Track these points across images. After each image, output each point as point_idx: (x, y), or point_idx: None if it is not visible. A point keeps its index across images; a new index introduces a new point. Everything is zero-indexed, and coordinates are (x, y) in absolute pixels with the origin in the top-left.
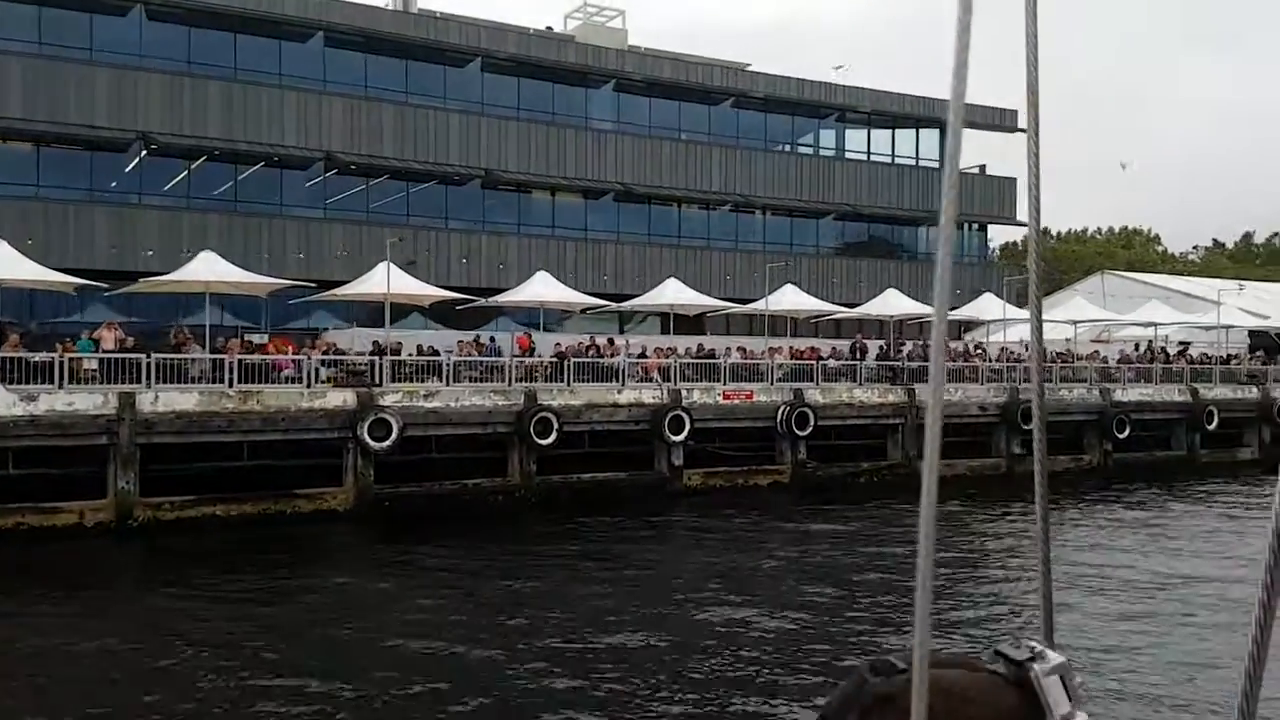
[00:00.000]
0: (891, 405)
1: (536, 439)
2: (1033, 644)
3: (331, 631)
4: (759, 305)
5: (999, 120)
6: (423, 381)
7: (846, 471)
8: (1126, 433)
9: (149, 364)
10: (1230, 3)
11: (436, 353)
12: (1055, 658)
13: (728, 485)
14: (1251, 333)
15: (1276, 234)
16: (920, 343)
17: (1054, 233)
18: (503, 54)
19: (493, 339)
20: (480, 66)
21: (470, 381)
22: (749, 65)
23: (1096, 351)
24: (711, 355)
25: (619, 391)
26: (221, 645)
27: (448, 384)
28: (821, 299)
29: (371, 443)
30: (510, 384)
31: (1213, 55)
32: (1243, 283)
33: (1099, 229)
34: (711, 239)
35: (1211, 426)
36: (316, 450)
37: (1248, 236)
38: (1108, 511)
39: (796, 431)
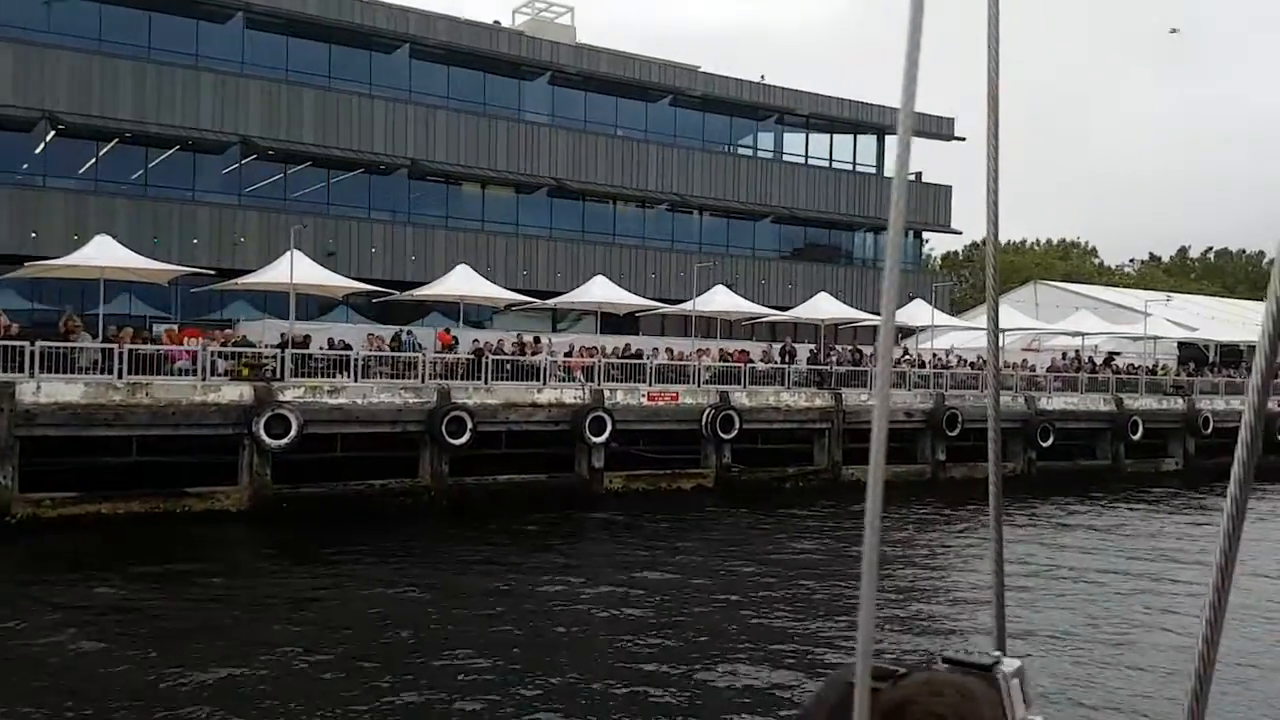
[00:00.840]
0: (818, 410)
1: (449, 439)
2: (989, 651)
3: (207, 640)
4: (687, 306)
5: (936, 128)
6: (330, 377)
7: (772, 476)
8: (1050, 441)
9: (33, 352)
10: (1170, 21)
11: (349, 347)
12: (1013, 662)
13: (650, 489)
14: (1181, 344)
15: (1211, 249)
16: (850, 347)
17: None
18: (432, 41)
19: (410, 333)
20: (409, 53)
21: (382, 378)
22: (700, 68)
23: (1025, 360)
24: (638, 356)
25: (539, 391)
26: (90, 653)
27: (355, 380)
28: (758, 302)
29: (268, 440)
30: (424, 381)
31: (1154, 74)
32: (1170, 295)
33: (1037, 240)
34: (647, 238)
35: (1136, 437)
36: (211, 447)
37: (1183, 251)
38: (1033, 519)
39: (721, 435)
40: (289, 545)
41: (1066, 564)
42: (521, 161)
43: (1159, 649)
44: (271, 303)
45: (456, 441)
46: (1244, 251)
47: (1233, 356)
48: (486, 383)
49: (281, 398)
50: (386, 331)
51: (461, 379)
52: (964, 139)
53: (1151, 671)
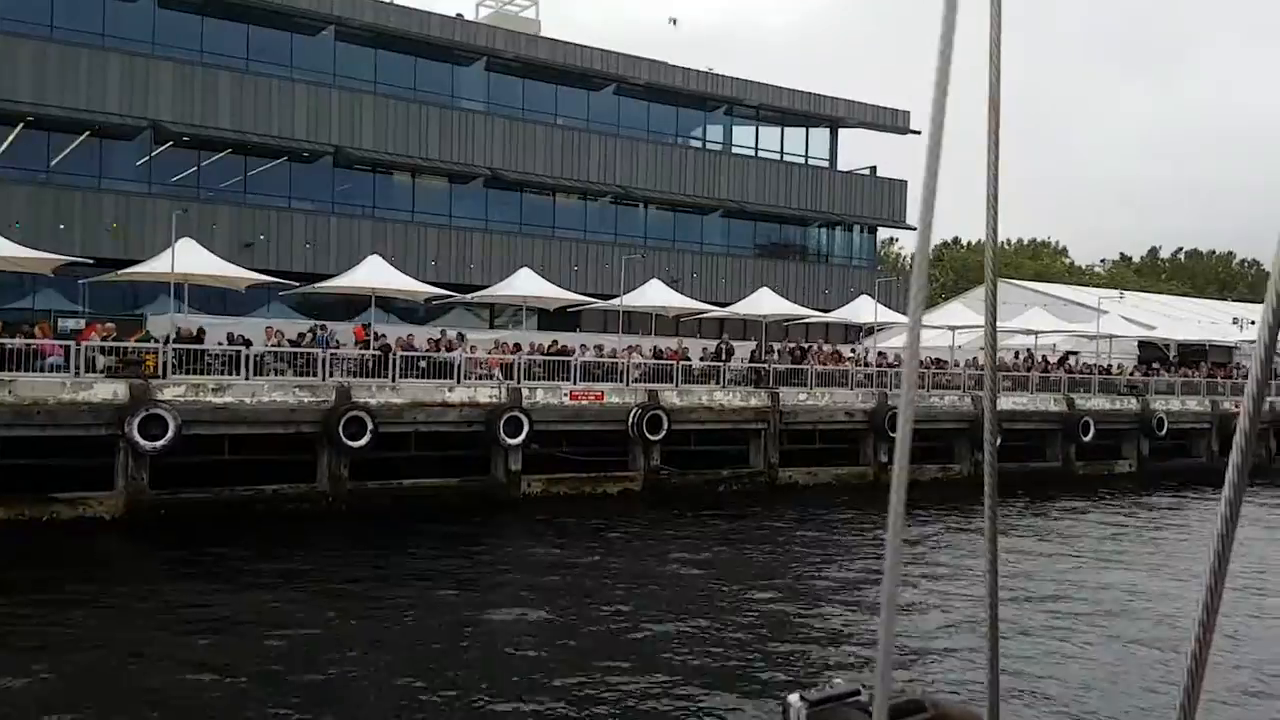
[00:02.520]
0: (754, 410)
1: (347, 440)
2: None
3: (62, 655)
4: (624, 301)
5: (890, 121)
6: (221, 374)
7: (704, 479)
8: (997, 443)
9: None
10: (1154, 29)
11: (250, 343)
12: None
13: (573, 493)
14: (1142, 343)
15: (1181, 249)
16: (794, 344)
17: (963, 242)
18: (358, 23)
19: (324, 327)
20: (334, 35)
21: (279, 375)
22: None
23: (975, 359)
24: (564, 352)
25: (450, 390)
26: None
27: (246, 378)
28: (707, 298)
29: (143, 442)
30: (324, 379)
31: (1135, 79)
32: (1123, 292)
33: (1007, 240)
34: (589, 231)
35: (1088, 438)
36: (84, 449)
37: (1154, 251)
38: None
39: (649, 436)
40: (166, 555)
41: (1021, 571)
42: (455, 150)
43: (1133, 662)
44: (201, 298)
45: (355, 443)
46: (1214, 252)
47: (1196, 355)
48: (394, 381)
49: (159, 396)
50: (301, 326)
51: (367, 376)
52: (919, 132)
53: (1131, 683)
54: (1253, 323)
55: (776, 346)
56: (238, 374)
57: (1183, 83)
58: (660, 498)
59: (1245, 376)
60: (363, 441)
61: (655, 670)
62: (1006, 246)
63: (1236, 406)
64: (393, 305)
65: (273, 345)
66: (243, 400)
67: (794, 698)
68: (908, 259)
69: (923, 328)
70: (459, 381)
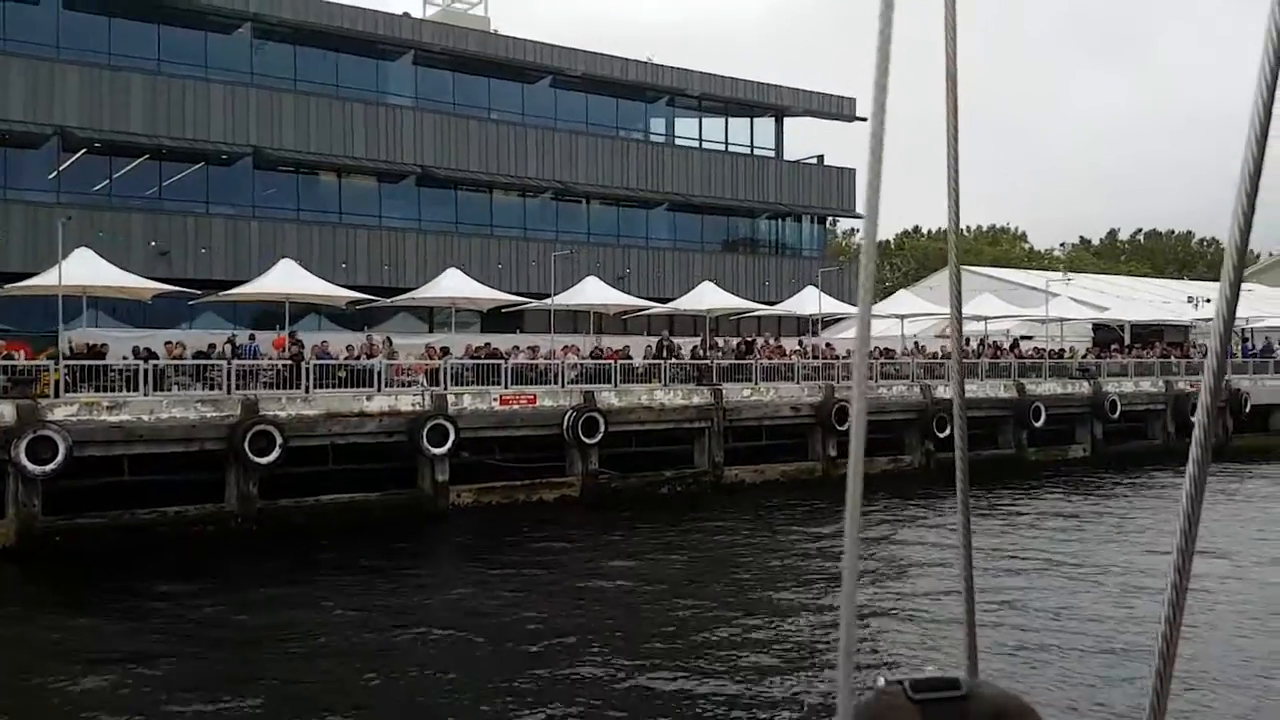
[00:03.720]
0: (696, 408)
1: (253, 457)
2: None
3: None
4: (560, 300)
5: (837, 109)
6: (120, 391)
7: (646, 482)
8: (947, 431)
9: None
10: (1118, 16)
11: (154, 355)
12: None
13: (506, 502)
14: (1096, 325)
15: (1140, 231)
16: (740, 339)
17: (924, 231)
18: (275, 18)
19: (252, 337)
20: (250, 32)
21: (180, 389)
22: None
23: (922, 347)
24: (496, 355)
25: (368, 399)
26: None
27: (146, 393)
28: (653, 294)
29: (30, 466)
30: (229, 392)
31: (1098, 64)
32: (1070, 275)
33: (968, 227)
34: (529, 229)
35: (1039, 423)
36: None
37: (1113, 233)
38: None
39: (584, 439)
40: (59, 587)
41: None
42: (383, 148)
43: (1101, 647)
44: (140, 313)
45: (263, 459)
46: (1173, 232)
47: (1151, 336)
48: (307, 392)
49: (49, 417)
50: (220, 336)
51: (278, 388)
52: (865, 119)
53: (1100, 674)
54: (1208, 301)
55: (720, 342)
56: (132, 390)
57: (1144, 67)
58: (600, 503)
59: (1203, 355)
60: (271, 457)
61: (589, 697)
62: (967, 233)
63: (1191, 386)
64: (330, 312)
65: (173, 359)
66: (140, 418)
67: (880, 680)
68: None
69: (872, 317)
70: (379, 390)
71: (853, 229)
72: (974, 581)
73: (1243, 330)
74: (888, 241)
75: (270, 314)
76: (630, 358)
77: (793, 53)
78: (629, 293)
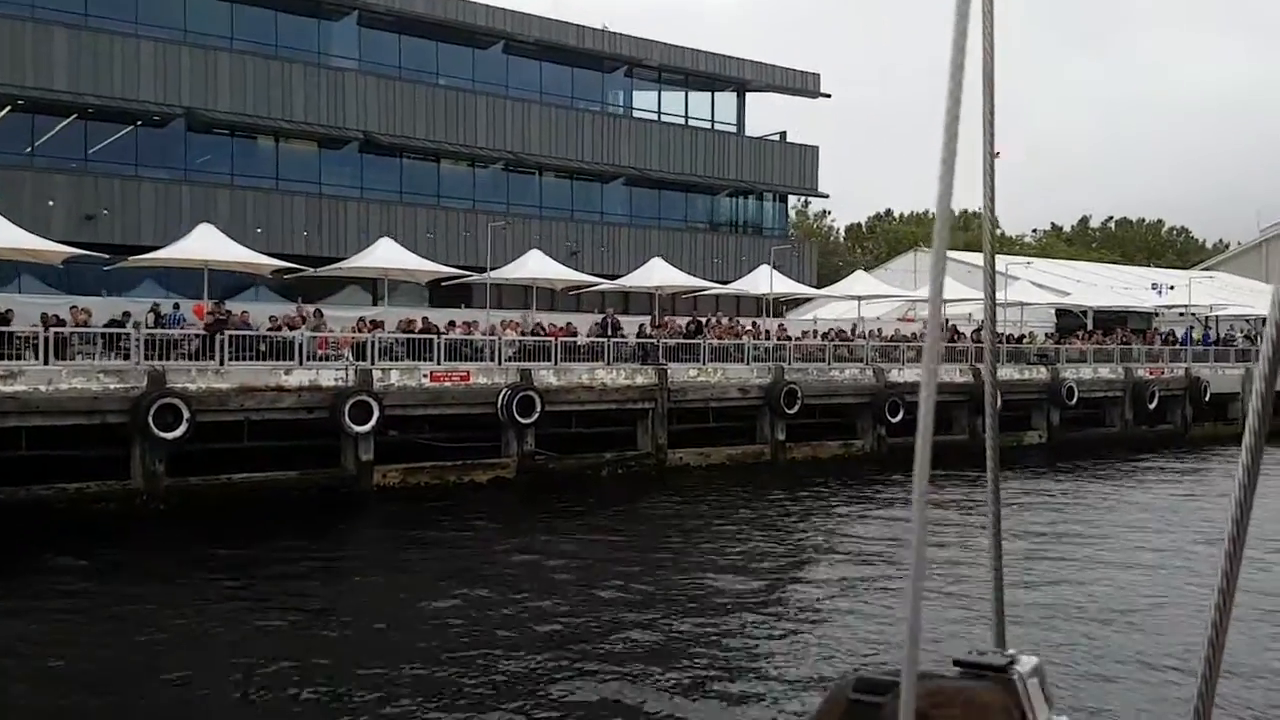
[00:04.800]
0: (639, 388)
1: (159, 431)
2: (1003, 650)
3: None
4: (509, 274)
5: (801, 84)
6: (16, 359)
7: (586, 464)
8: (900, 416)
9: None
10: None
11: (62, 322)
12: (1030, 661)
13: (436, 483)
14: (1060, 311)
15: (1111, 218)
16: (690, 318)
17: (895, 214)
18: None
19: (177, 306)
20: None
21: (84, 359)
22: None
23: (879, 329)
24: (433, 330)
25: (287, 373)
26: None
27: (46, 362)
28: (608, 271)
29: None
30: (139, 363)
31: (1077, 51)
32: (1030, 260)
33: None
34: (478, 200)
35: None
36: None
37: (1084, 220)
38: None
39: (520, 419)
40: None
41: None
42: (324, 112)
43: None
44: (67, 278)
45: (169, 435)
46: (1143, 220)
47: (1116, 322)
48: (221, 364)
49: None
50: (143, 304)
51: (189, 359)
52: (829, 95)
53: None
54: (1172, 288)
55: (669, 320)
56: (34, 358)
57: (1123, 55)
58: (536, 485)
59: (1167, 342)
60: (178, 432)
61: (511, 693)
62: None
63: (1150, 373)
64: (274, 284)
65: (78, 325)
66: (36, 388)
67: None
68: (840, 231)
69: (830, 299)
70: (300, 364)
71: (824, 210)
72: (1003, 560)
73: (1205, 319)
74: (859, 225)
75: (214, 283)
76: (575, 335)
77: (760, 29)
78: (582, 269)
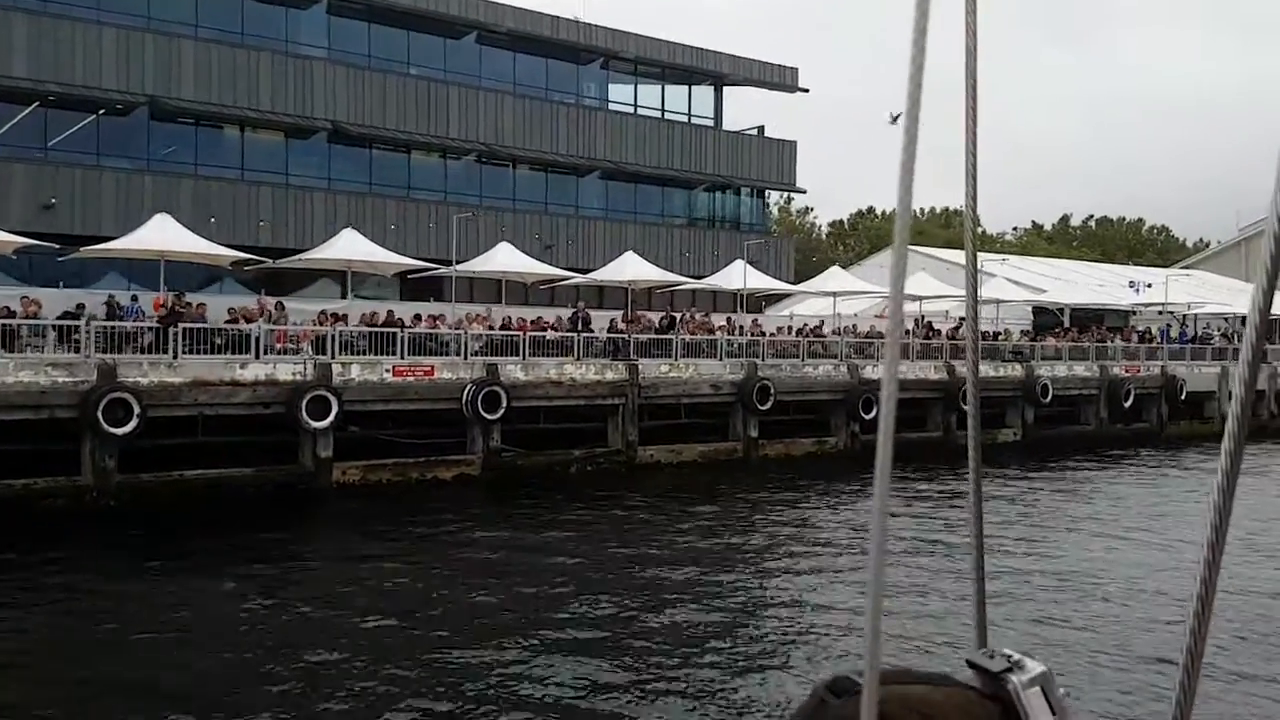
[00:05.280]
0: (609, 384)
1: (108, 427)
2: (1008, 653)
3: None
4: (477, 267)
5: (779, 78)
6: None
7: (554, 461)
8: (874, 413)
9: None
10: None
11: (13, 314)
12: (1035, 667)
13: (398, 480)
14: (1036, 309)
15: (1092, 216)
16: (663, 313)
17: (877, 211)
18: None
19: (134, 299)
20: None
21: (33, 352)
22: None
23: (853, 326)
24: (399, 324)
25: (242, 367)
26: None
27: None
28: (580, 265)
29: None
30: (89, 356)
31: (1059, 48)
32: (1006, 256)
33: (920, 209)
34: (450, 193)
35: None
36: None
37: (1065, 219)
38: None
39: (485, 415)
40: None
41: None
42: (292, 101)
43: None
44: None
45: (119, 430)
46: (1124, 219)
47: (1093, 320)
48: (175, 357)
49: None
50: (103, 296)
51: (143, 352)
52: (807, 90)
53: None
54: (1149, 286)
55: (641, 315)
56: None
57: (1105, 53)
58: (502, 482)
59: (1144, 340)
60: (128, 428)
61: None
62: (920, 215)
63: (1126, 371)
64: (242, 276)
65: (27, 317)
66: None
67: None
68: (823, 228)
69: (807, 295)
70: (257, 357)
71: (807, 207)
72: (985, 559)
73: (1183, 317)
74: (842, 222)
75: (181, 275)
76: (545, 330)
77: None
78: (556, 263)
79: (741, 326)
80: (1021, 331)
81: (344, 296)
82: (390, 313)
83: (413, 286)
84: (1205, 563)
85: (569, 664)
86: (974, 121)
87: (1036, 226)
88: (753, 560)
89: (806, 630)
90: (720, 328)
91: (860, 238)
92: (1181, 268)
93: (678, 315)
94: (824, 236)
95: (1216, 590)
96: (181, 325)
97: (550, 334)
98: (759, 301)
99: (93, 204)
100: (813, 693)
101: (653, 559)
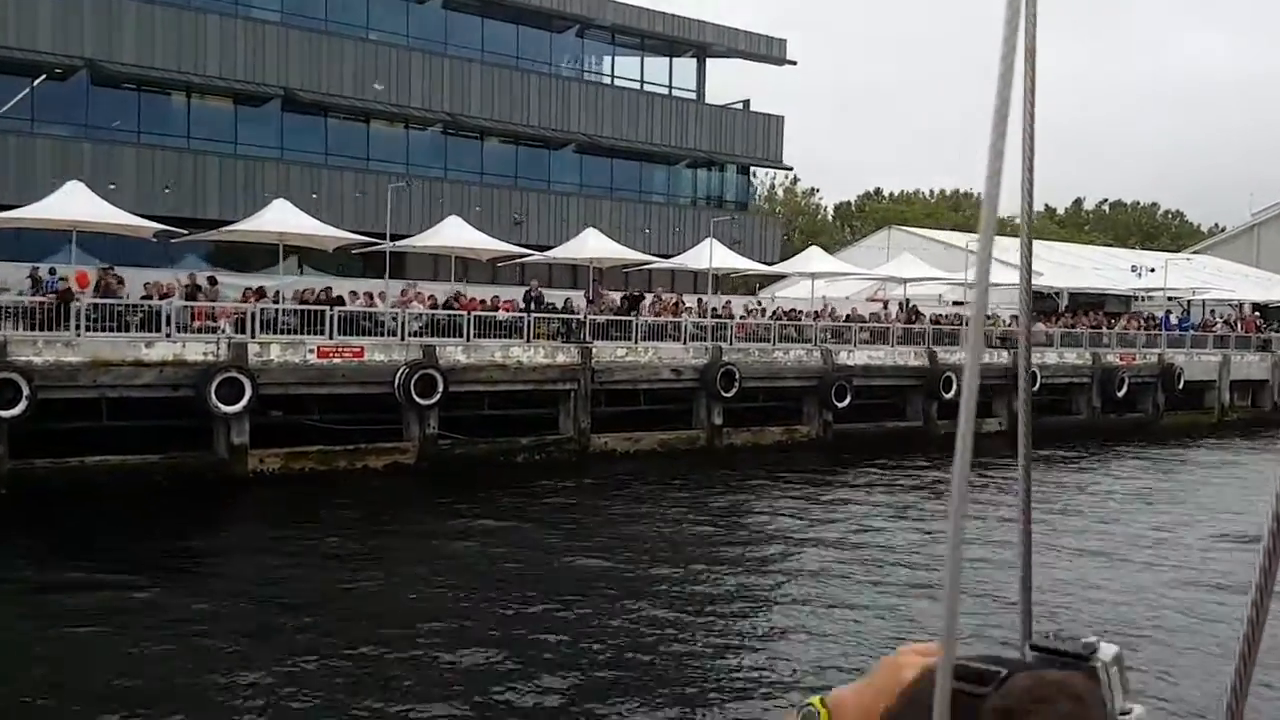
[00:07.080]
0: (560, 367)
1: None
2: (1075, 636)
3: None
4: (423, 242)
5: (765, 49)
6: None
7: (500, 449)
8: (848, 400)
9: None
10: None
11: None
12: (1111, 649)
13: (323, 469)
14: (1037, 294)
15: (1105, 200)
16: (624, 292)
17: (885, 194)
18: None
19: (53, 271)
20: None
21: None
22: None
23: (832, 309)
24: (338, 301)
25: (148, 345)
26: None
27: None
28: (553, 241)
29: None
30: None
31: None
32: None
33: (929, 191)
34: (413, 164)
35: (950, 394)
36: None
37: (1078, 202)
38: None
39: (420, 400)
40: None
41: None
42: (242, 66)
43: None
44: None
45: (5, 413)
46: (1138, 203)
47: (1093, 305)
48: (78, 334)
49: None
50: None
51: (40, 329)
52: (795, 63)
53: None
54: (1152, 270)
55: (602, 292)
56: None
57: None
58: (441, 471)
59: (1145, 326)
60: (16, 410)
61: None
62: (929, 198)
63: (1122, 359)
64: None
65: None
66: None
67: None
68: (829, 209)
69: (787, 274)
70: (168, 336)
71: (813, 188)
72: (1031, 552)
73: (1187, 303)
74: (849, 203)
75: (138, 251)
76: (495, 310)
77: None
78: (526, 239)
79: (715, 309)
80: (1012, 316)
81: (301, 272)
82: (328, 289)
83: (377, 264)
84: (1266, 551)
85: (504, 667)
86: (1032, 104)
87: (1049, 210)
88: (707, 554)
89: (775, 630)
90: (688, 309)
91: (867, 220)
92: (1193, 252)
93: (639, 295)
94: (830, 218)
95: (1276, 579)
96: (88, 301)
97: (501, 314)
98: (754, 284)
99: (27, 172)
100: (927, 684)
101: (591, 551)
